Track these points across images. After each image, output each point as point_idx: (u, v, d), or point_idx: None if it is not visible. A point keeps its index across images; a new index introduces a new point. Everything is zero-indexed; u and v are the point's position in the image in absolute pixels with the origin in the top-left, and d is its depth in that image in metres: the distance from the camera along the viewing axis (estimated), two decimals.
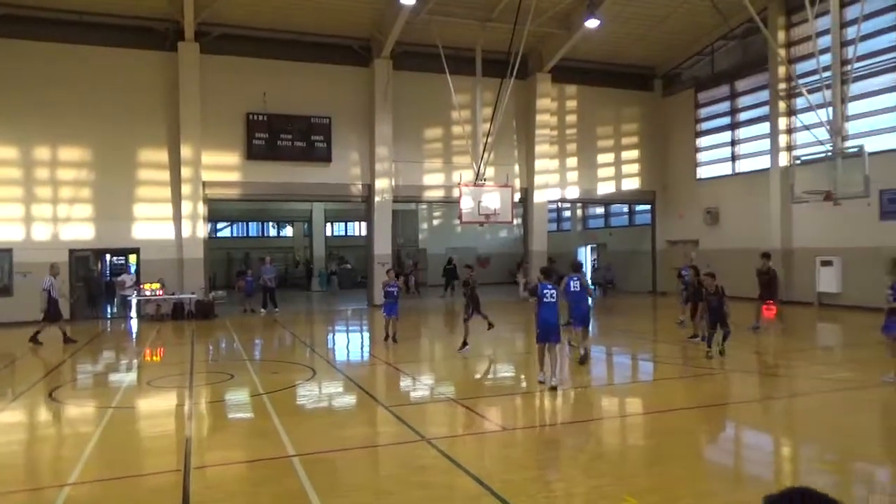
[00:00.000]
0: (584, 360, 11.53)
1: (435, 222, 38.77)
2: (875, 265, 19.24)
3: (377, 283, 24.00)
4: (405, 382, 10.80)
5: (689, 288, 14.44)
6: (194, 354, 14.03)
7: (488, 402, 9.08)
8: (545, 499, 5.42)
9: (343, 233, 41.50)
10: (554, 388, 9.13)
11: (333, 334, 18.70)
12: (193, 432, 7.67)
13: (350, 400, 9.76)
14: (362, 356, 15.03)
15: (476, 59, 23.52)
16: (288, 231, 41.41)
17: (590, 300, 12.56)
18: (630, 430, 8.01)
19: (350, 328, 20.59)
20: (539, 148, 25.86)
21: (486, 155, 22.54)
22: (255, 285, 23.26)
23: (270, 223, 41.25)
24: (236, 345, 15.43)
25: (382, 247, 24.14)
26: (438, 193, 25.64)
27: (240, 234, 40.62)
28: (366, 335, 18.83)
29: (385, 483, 5.97)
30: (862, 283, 19.57)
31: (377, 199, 23.83)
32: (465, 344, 13.12)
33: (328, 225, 40.17)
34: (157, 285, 20.61)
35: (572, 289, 11.61)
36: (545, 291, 9.56)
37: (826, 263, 20.56)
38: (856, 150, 15.09)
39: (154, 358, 14.28)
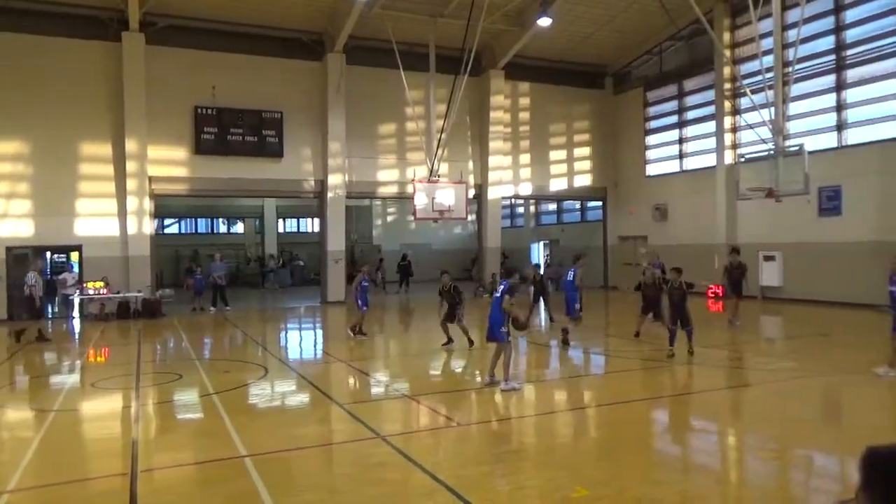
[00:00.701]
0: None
1: (389, 218, 38.65)
2: (814, 259, 20.09)
3: (331, 280, 23.85)
4: (360, 379, 10.73)
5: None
6: (141, 355, 13.63)
7: (443, 399, 9.10)
8: (499, 492, 5.46)
9: (296, 229, 40.93)
10: (495, 387, 9.14)
11: (286, 332, 18.44)
12: (140, 434, 7.45)
13: (303, 398, 9.64)
14: (316, 354, 14.86)
15: (430, 54, 23.48)
16: (239, 227, 40.60)
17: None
18: (582, 422, 8.14)
19: (303, 326, 20.33)
20: (493, 144, 26.01)
21: (440, 151, 22.55)
22: (205, 283, 22.75)
23: (221, 219, 40.37)
24: (185, 344, 15.06)
25: (336, 243, 23.94)
26: (392, 189, 25.53)
27: (188, 231, 39.62)
28: (319, 332, 18.64)
29: (339, 481, 5.92)
30: (802, 276, 20.36)
31: (330, 195, 23.59)
32: (449, 340, 13.00)
33: (280, 221, 39.58)
34: (101, 284, 19.94)
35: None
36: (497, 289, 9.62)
37: (769, 258, 21.29)
38: (796, 148, 15.63)
39: (98, 359, 13.82)
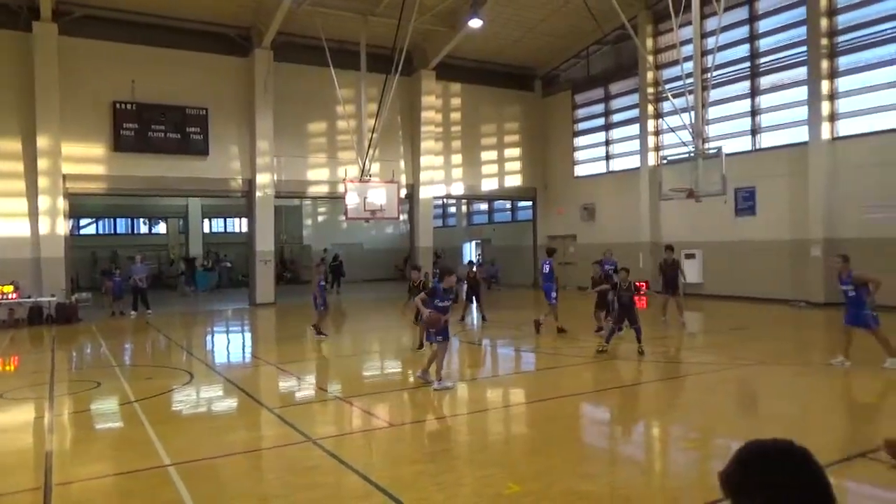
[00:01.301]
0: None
1: (320, 218, 38.12)
2: (731, 257, 21.07)
3: (259, 282, 23.29)
4: (290, 383, 10.52)
5: (619, 284, 12.43)
6: (55, 362, 12.91)
7: (376, 399, 9.03)
8: (433, 492, 5.45)
9: (222, 229, 39.76)
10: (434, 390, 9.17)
11: (213, 336, 17.88)
12: (55, 446, 7.06)
13: (231, 403, 9.36)
14: (244, 358, 14.47)
15: (361, 53, 23.27)
16: (161, 228, 39.08)
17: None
18: (514, 419, 8.24)
19: (231, 329, 19.77)
20: (424, 144, 26.04)
21: (371, 151, 22.37)
22: (125, 286, 21.76)
23: (142, 219, 38.74)
24: (103, 350, 14.36)
25: (265, 243, 23.39)
26: (323, 189, 25.18)
27: (107, 232, 37.84)
28: (248, 336, 18.16)
29: (270, 487, 5.78)
30: (720, 273, 21.33)
31: (258, 194, 23.04)
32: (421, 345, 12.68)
33: (206, 221, 38.35)
34: (10, 288, 18.76)
35: (545, 271, 14.09)
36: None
37: (689, 256, 22.17)
38: (714, 151, 16.34)
39: (7, 367, 13.01)
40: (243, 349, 15.77)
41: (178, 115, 21.66)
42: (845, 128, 18.59)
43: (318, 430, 7.27)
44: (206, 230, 38.36)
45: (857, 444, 5.61)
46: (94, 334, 16.81)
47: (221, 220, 39.67)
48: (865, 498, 5.33)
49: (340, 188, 23.06)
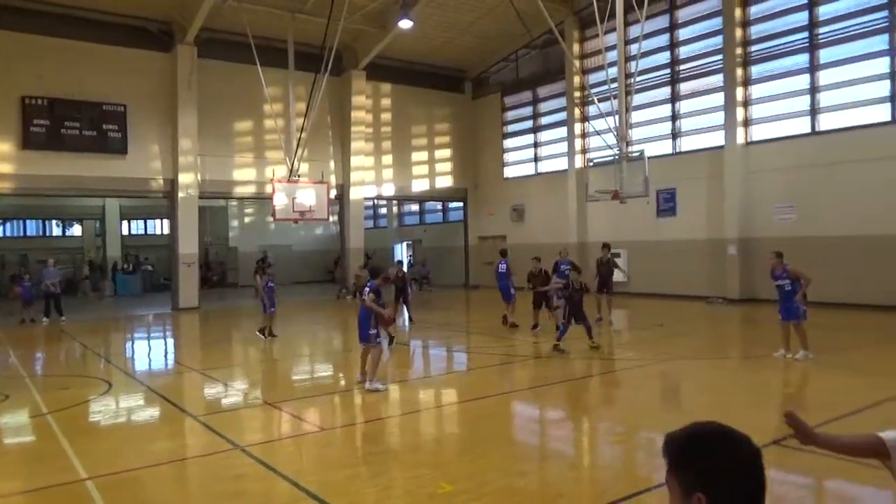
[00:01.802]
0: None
1: (247, 219, 37.14)
2: (654, 256, 21.83)
3: (182, 285, 22.47)
4: (216, 389, 10.18)
5: (570, 285, 12.14)
6: None
7: (305, 404, 8.86)
8: (365, 495, 5.39)
9: (142, 231, 38.15)
10: (367, 389, 9.09)
11: (133, 342, 17.11)
12: None
13: (153, 412, 8.98)
14: (167, 364, 13.92)
15: (289, 51, 22.83)
16: (76, 230, 37.12)
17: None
18: (446, 419, 8.26)
19: (152, 335, 18.97)
20: (355, 145, 25.80)
21: (300, 151, 21.99)
22: (35, 291, 20.50)
23: (55, 221, 36.70)
24: (12, 360, 13.48)
25: (188, 246, 22.57)
26: (250, 189, 24.54)
27: (17, 234, 35.68)
28: (170, 341, 17.48)
29: (195, 497, 5.57)
30: (643, 272, 22.04)
31: (181, 194, 22.22)
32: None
33: (125, 223, 36.68)
34: None
35: (502, 270, 14.85)
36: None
37: (615, 255, 22.80)
38: (638, 154, 16.92)
39: None
40: (165, 356, 15.16)
41: (95, 111, 20.64)
42: (758, 133, 19.60)
43: (245, 437, 7.06)
44: (125, 232, 36.70)
45: (770, 432, 5.90)
46: (1, 343, 15.77)
47: (141, 222, 38.07)
48: (778, 483, 5.61)
49: (268, 188, 22.55)
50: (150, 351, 15.78)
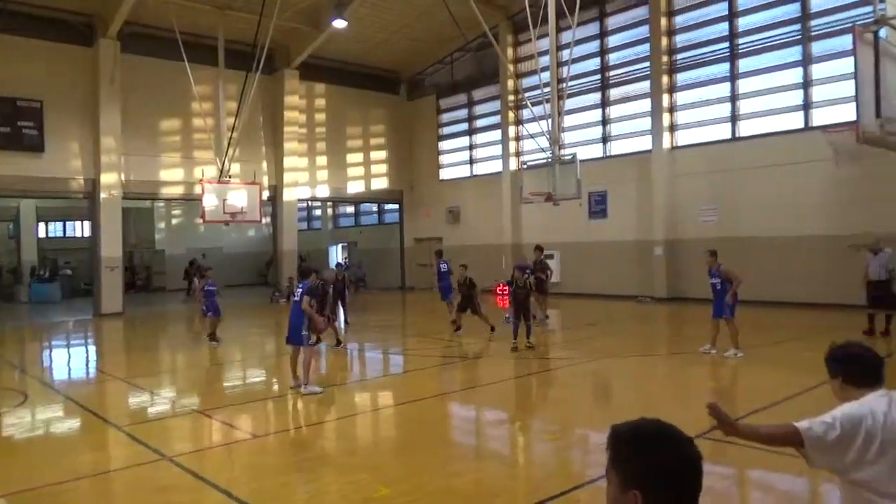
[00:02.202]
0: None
1: (174, 221, 35.85)
2: (585, 257, 22.35)
3: (105, 290, 21.48)
4: (142, 398, 9.77)
5: (515, 283, 12.54)
6: None
7: (237, 411, 8.61)
8: (299, 501, 5.28)
9: (61, 234, 36.26)
10: (300, 393, 8.93)
11: (50, 351, 16.23)
12: None
13: (73, 424, 8.54)
14: (88, 373, 13.27)
15: (219, 48, 22.20)
16: None
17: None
18: (383, 422, 8.20)
19: (72, 343, 18.03)
20: (288, 145, 25.34)
21: (230, 151, 21.42)
22: None
23: None
24: None
25: (111, 249, 21.56)
26: (178, 190, 23.72)
27: None
28: (92, 349, 16.69)
29: None
30: (576, 273, 22.55)
31: (103, 195, 21.23)
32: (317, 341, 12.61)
33: (41, 225, 34.74)
34: None
35: (443, 270, 15.27)
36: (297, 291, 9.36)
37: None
38: (570, 157, 17.27)
39: None
40: (87, 364, 14.46)
41: (8, 106, 19.48)
42: (683, 138, 20.37)
43: (173, 447, 6.80)
44: (42, 235, 34.78)
45: (695, 426, 6.12)
46: None
47: (60, 224, 36.18)
48: (705, 475, 5.84)
49: (197, 189, 21.87)
50: (70, 359, 15.00)
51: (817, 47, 17.39)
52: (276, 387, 10.41)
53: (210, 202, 21.23)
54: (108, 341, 17.55)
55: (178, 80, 21.24)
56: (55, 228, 36.09)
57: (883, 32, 11.85)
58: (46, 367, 13.54)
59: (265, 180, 24.62)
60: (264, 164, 25.11)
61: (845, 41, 14.83)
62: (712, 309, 10.92)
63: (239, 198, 21.75)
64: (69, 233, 36.13)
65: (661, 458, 1.64)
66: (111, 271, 21.53)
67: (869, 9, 13.45)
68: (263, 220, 25.59)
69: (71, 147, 21.02)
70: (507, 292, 15.68)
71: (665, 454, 1.65)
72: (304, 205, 33.56)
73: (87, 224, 28.87)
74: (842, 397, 2.90)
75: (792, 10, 17.87)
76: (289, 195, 25.59)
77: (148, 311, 23.66)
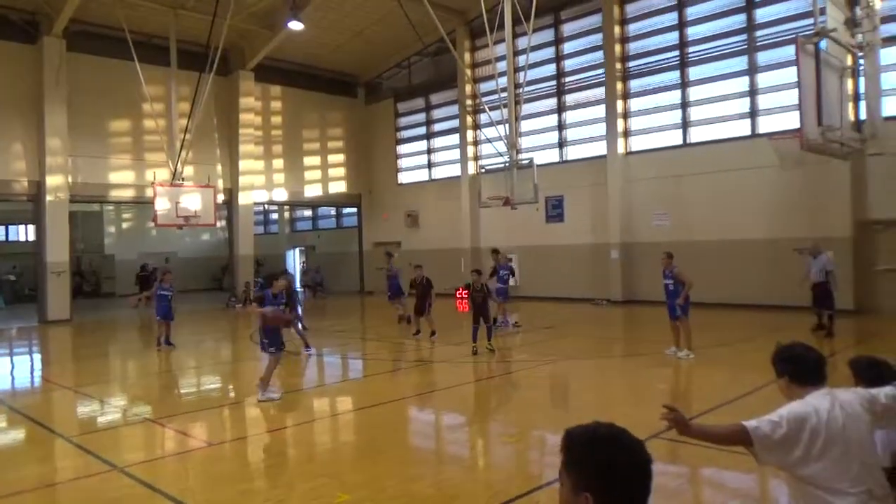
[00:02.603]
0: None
1: (125, 225, 34.87)
2: (543, 260, 22.60)
3: (51, 296, 20.75)
4: (90, 407, 9.47)
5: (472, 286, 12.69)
6: None
7: (192, 418, 8.42)
8: None
9: (3, 238, 34.90)
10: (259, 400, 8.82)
11: None
12: None
13: (17, 435, 8.22)
14: (32, 382, 12.79)
15: (170, 48, 21.73)
16: None
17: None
18: (341, 428, 8.14)
19: (15, 351, 17.36)
20: (243, 148, 24.95)
21: (183, 153, 20.98)
22: None
23: None
24: None
25: (57, 253, 20.84)
26: (128, 193, 23.11)
27: None
28: (37, 357, 16.10)
29: None
30: (533, 276, 22.78)
31: (49, 198, 20.52)
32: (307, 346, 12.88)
33: None
34: None
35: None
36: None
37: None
38: (527, 162, 17.47)
39: None
40: (31, 373, 13.94)
41: None
42: (636, 144, 20.81)
43: (124, 457, 6.62)
44: None
45: (650, 427, 6.26)
46: None
47: (2, 228, 34.83)
48: (659, 474, 5.97)
49: (149, 192, 21.36)
50: (13, 368, 14.44)
51: (762, 57, 18.00)
52: (231, 394, 10.23)
53: (162, 205, 20.76)
54: (54, 349, 16.96)
55: (129, 80, 20.72)
56: None
57: (823, 44, 12.33)
58: None
59: (220, 183, 24.19)
60: (219, 167, 24.67)
61: (789, 52, 15.38)
62: (668, 311, 11.16)
63: (193, 201, 21.32)
64: (12, 237, 34.83)
65: (612, 461, 1.70)
66: (57, 276, 20.82)
67: (811, 21, 14.01)
68: (218, 224, 25.12)
69: (14, 148, 20.29)
70: (465, 296, 15.78)
71: (616, 458, 1.70)
72: (261, 208, 33.09)
73: (31, 228, 27.88)
74: (788, 395, 3.02)
75: (738, 20, 18.47)
76: (244, 199, 25.19)
77: (97, 318, 22.96)
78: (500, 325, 15.37)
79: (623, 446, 1.74)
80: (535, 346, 13.62)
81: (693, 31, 19.45)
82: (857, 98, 15.46)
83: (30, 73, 20.26)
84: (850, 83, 15.01)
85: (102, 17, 20.48)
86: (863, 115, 15.26)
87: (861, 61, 14.63)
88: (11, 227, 34.76)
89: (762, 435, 2.74)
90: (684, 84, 19.57)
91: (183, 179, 21.33)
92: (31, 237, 27.01)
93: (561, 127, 22.80)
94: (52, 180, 20.51)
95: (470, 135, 25.27)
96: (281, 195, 27.24)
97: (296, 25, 21.28)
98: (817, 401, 2.84)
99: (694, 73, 19.45)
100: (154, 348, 14.02)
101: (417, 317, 14.45)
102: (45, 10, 19.98)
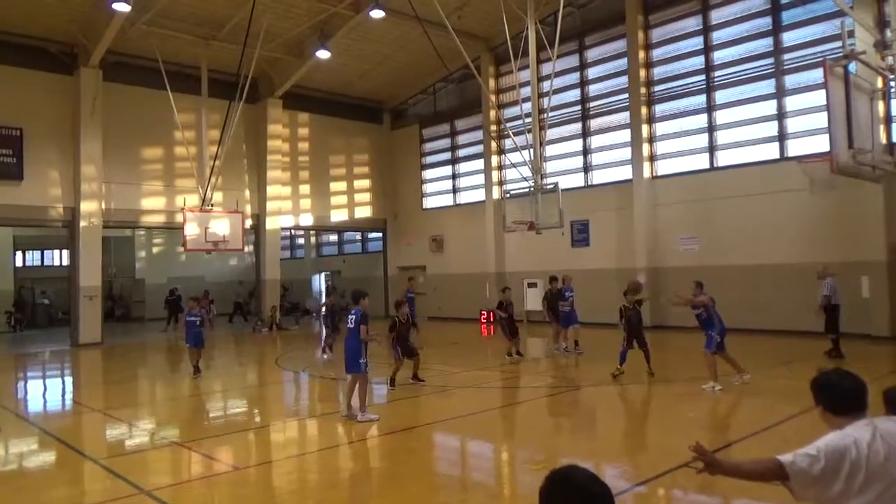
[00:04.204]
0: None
1: (155, 250, 35.50)
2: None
3: (83, 320, 21.13)
4: (119, 430, 9.57)
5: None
6: None
7: (218, 442, 8.46)
8: None
9: (39, 262, 35.72)
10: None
11: (25, 382, 15.89)
12: None
13: (48, 457, 8.33)
14: (64, 405, 12.98)
15: (202, 78, 22.28)
16: None
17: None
18: (366, 453, 8.09)
19: (48, 373, 17.69)
20: (271, 174, 25.34)
21: (213, 179, 21.38)
22: None
23: None
24: None
25: (90, 278, 21.27)
26: (159, 219, 23.55)
27: None
28: (69, 380, 16.36)
29: None
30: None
31: (83, 223, 21.01)
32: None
33: (18, 253, 34.22)
34: None
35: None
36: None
37: (532, 285, 23.32)
38: (552, 186, 17.46)
39: None
40: (63, 395, 14.16)
41: None
42: (663, 168, 20.68)
43: (151, 480, 6.66)
44: (19, 264, 34.25)
45: (680, 456, 6.13)
46: None
47: (38, 253, 35.67)
48: (690, 503, 5.83)
49: (179, 218, 21.74)
50: (46, 391, 14.70)
51: (790, 80, 17.84)
52: (258, 418, 10.26)
53: (192, 231, 21.12)
54: (85, 372, 17.22)
55: (161, 108, 21.23)
56: (32, 257, 35.58)
57: (852, 67, 12.18)
58: (21, 399, 13.24)
59: (248, 209, 24.56)
60: (247, 193, 25.07)
61: (817, 75, 15.21)
62: (705, 339, 10.75)
63: (221, 226, 21.66)
64: (47, 261, 35.63)
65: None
66: (90, 300, 21.23)
67: (839, 44, 13.88)
68: (246, 249, 25.45)
69: (51, 175, 20.86)
70: (491, 318, 15.70)
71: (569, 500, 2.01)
72: (287, 233, 33.45)
73: (65, 253, 28.52)
74: (828, 424, 2.92)
75: (764, 44, 18.37)
76: (271, 224, 25.52)
77: (127, 341, 23.30)
78: (563, 350, 15.45)
79: (574, 488, 2.01)
80: (564, 370, 13.45)
81: (719, 55, 19.38)
82: (888, 120, 15.20)
83: (67, 102, 20.91)
84: (881, 106, 14.79)
85: (137, 48, 21.10)
86: (895, 138, 15.00)
87: (892, 84, 14.42)
88: (47, 252, 35.58)
89: (799, 470, 2.64)
90: (711, 108, 19.46)
91: (212, 205, 21.71)
92: (66, 262, 27.60)
93: (586, 151, 22.77)
94: (87, 206, 21.02)
95: (494, 160, 25.36)
96: (307, 220, 27.54)
97: (323, 54, 21.71)
98: (857, 432, 2.73)
99: (721, 96, 19.34)
100: (190, 374, 13.90)
101: (515, 339, 14.51)
102: (83, 43, 20.66)
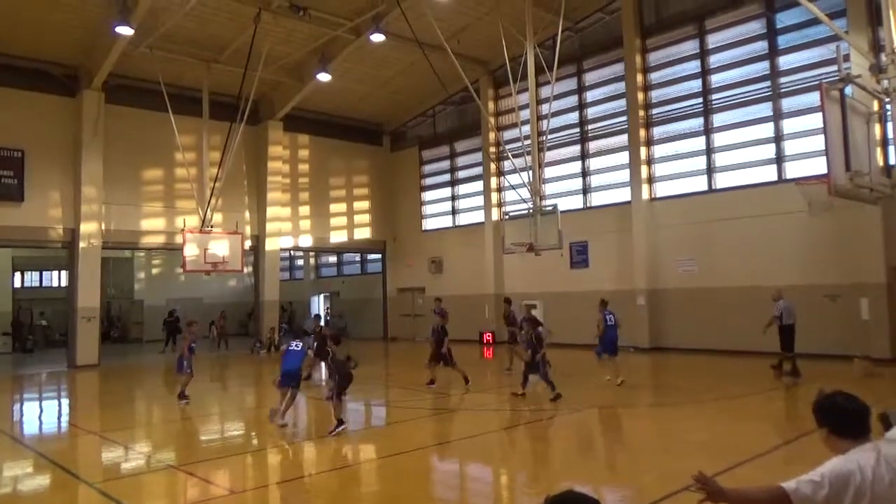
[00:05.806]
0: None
1: (154, 271, 35.49)
2: (568, 307, 22.36)
3: (80, 341, 21.03)
4: (115, 453, 9.48)
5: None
6: None
7: (215, 465, 8.37)
8: None
9: (37, 283, 35.66)
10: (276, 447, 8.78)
11: (20, 404, 15.76)
12: None
13: (42, 481, 8.23)
14: (60, 427, 12.87)
15: (203, 100, 22.45)
16: None
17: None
18: (366, 475, 8.01)
19: (44, 395, 17.55)
20: (271, 195, 25.42)
21: (213, 200, 21.43)
22: None
23: None
24: None
25: (89, 299, 21.23)
26: (158, 240, 23.56)
27: None
28: (65, 402, 16.23)
29: None
30: (557, 322, 22.48)
31: (83, 244, 21.02)
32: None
33: (17, 274, 34.15)
34: None
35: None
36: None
37: (531, 306, 23.23)
38: (551, 208, 17.52)
39: None
40: (59, 417, 14.03)
41: None
42: (661, 190, 20.76)
43: None
44: (17, 284, 34.16)
45: (681, 479, 6.06)
46: None
47: (36, 274, 35.61)
48: None
49: (178, 239, 21.76)
50: (42, 413, 14.58)
51: (787, 103, 17.98)
52: (254, 441, 10.17)
53: (191, 252, 21.12)
54: (82, 394, 17.10)
55: (162, 130, 21.35)
56: (31, 278, 35.53)
57: (849, 90, 12.28)
58: (16, 421, 13.13)
59: (247, 230, 24.59)
60: (247, 214, 25.12)
61: (814, 98, 15.33)
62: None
63: (220, 247, 21.67)
64: (45, 283, 35.58)
65: None
66: (87, 322, 21.15)
67: (835, 68, 14.00)
68: (245, 270, 25.44)
69: (51, 196, 20.91)
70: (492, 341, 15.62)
71: None
72: (287, 254, 33.44)
73: (64, 273, 28.48)
74: (830, 448, 2.89)
75: (761, 67, 18.55)
76: (271, 245, 25.54)
77: (124, 363, 23.17)
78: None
79: None
80: (565, 393, 13.35)
81: (716, 78, 19.55)
82: (885, 143, 15.30)
83: (69, 124, 21.04)
84: (877, 128, 14.88)
85: (140, 70, 21.27)
86: (893, 160, 15.08)
87: (888, 107, 14.52)
88: (45, 273, 35.54)
89: (803, 497, 2.61)
90: (708, 130, 19.59)
91: (212, 226, 21.74)
92: (64, 283, 27.56)
93: (584, 173, 22.88)
94: (86, 227, 21.04)
95: (494, 181, 25.47)
96: (306, 241, 27.56)
97: (324, 77, 21.90)
98: (861, 456, 2.69)
99: (718, 119, 19.48)
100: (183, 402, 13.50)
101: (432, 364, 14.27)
102: (86, 66, 20.84)
